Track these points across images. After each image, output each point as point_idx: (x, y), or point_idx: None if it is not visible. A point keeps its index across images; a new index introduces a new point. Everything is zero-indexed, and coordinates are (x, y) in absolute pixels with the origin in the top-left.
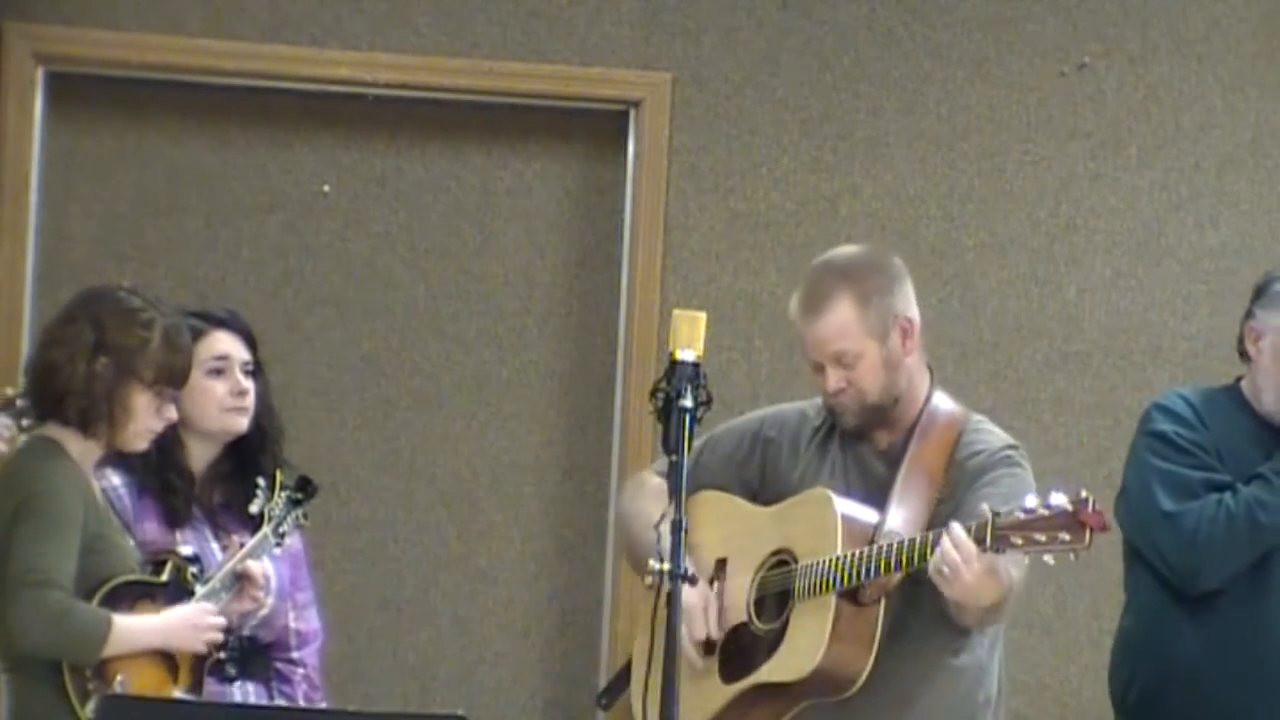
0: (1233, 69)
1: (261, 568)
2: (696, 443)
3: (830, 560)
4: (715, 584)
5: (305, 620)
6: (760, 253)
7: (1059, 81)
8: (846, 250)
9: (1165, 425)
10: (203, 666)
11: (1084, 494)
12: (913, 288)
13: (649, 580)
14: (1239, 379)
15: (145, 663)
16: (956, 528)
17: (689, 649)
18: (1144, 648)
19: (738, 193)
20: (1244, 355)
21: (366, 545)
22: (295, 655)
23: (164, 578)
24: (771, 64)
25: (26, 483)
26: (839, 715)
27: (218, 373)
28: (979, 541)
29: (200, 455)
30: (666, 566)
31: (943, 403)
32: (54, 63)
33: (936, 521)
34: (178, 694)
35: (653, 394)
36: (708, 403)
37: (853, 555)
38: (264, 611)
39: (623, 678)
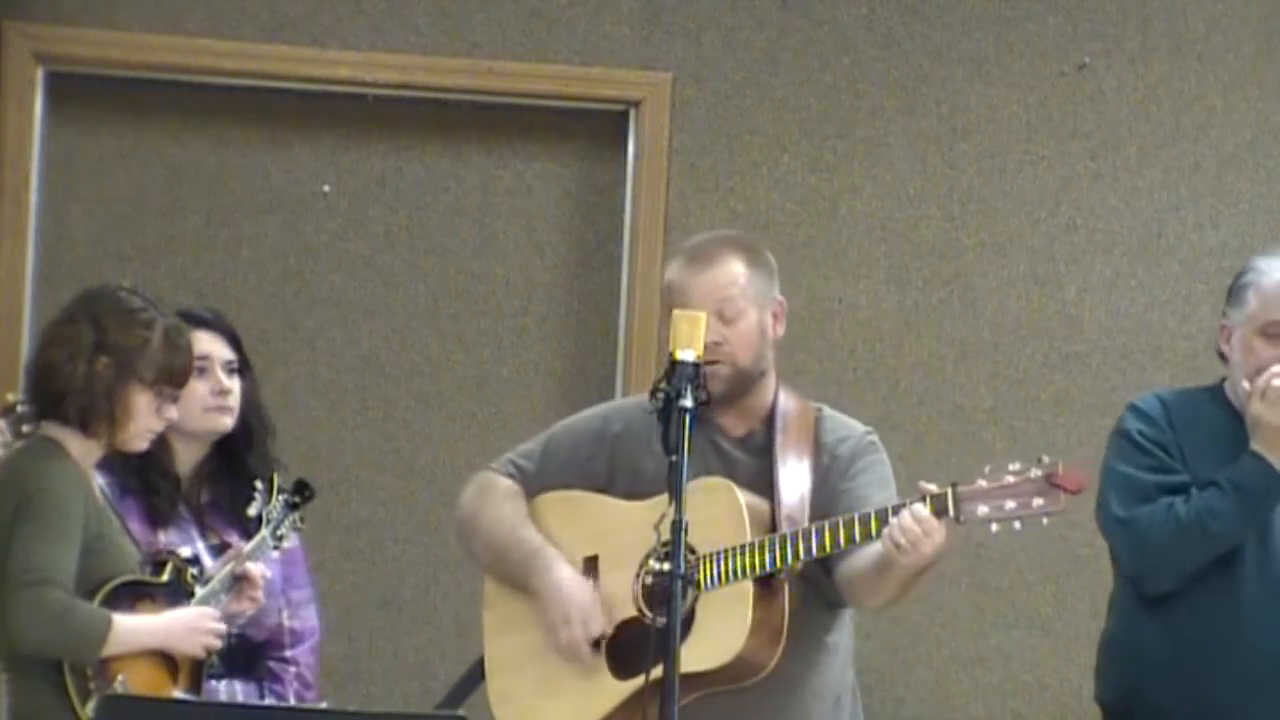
0: (1233, 69)
1: (260, 570)
2: (532, 445)
3: (749, 546)
4: (590, 581)
5: (300, 618)
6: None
7: (1059, 81)
8: (726, 230)
9: (1131, 424)
10: (202, 668)
11: (1048, 459)
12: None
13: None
14: (1224, 379)
15: (145, 663)
16: (917, 504)
17: (581, 647)
18: (1120, 647)
19: (738, 193)
20: (1222, 356)
21: (366, 545)
22: (288, 654)
23: (164, 578)
24: (771, 64)
25: (27, 482)
26: (730, 704)
27: (200, 372)
28: (942, 513)
29: (187, 455)
30: (666, 566)
31: (787, 393)
32: (54, 63)
33: (819, 506)
34: (177, 694)
35: (653, 394)
36: (708, 403)
37: (784, 537)
38: (250, 610)
39: (461, 689)
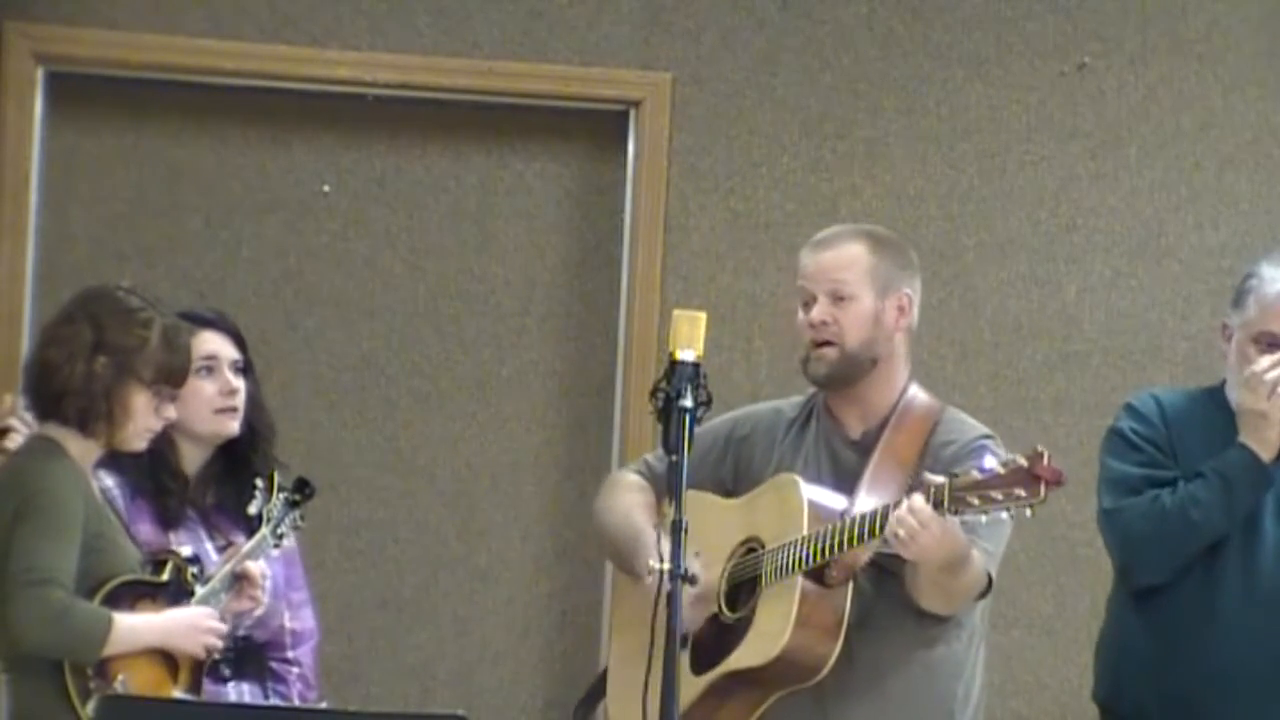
0: (1233, 69)
1: (260, 568)
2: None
3: (797, 541)
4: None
5: (300, 619)
6: (760, 253)
7: (1059, 81)
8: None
9: (1124, 422)
10: (202, 668)
11: (1040, 449)
12: (921, 289)
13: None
14: (1224, 380)
15: (146, 662)
16: (915, 495)
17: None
18: (1108, 642)
19: (738, 193)
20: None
21: (366, 545)
22: (290, 654)
23: (164, 577)
24: (771, 64)
25: (27, 482)
26: (813, 705)
27: (207, 371)
28: (937, 504)
29: (192, 457)
30: (666, 566)
31: (919, 394)
32: (54, 63)
33: None
34: (177, 694)
35: (653, 394)
36: (708, 403)
37: (817, 533)
38: (259, 611)
39: (599, 686)
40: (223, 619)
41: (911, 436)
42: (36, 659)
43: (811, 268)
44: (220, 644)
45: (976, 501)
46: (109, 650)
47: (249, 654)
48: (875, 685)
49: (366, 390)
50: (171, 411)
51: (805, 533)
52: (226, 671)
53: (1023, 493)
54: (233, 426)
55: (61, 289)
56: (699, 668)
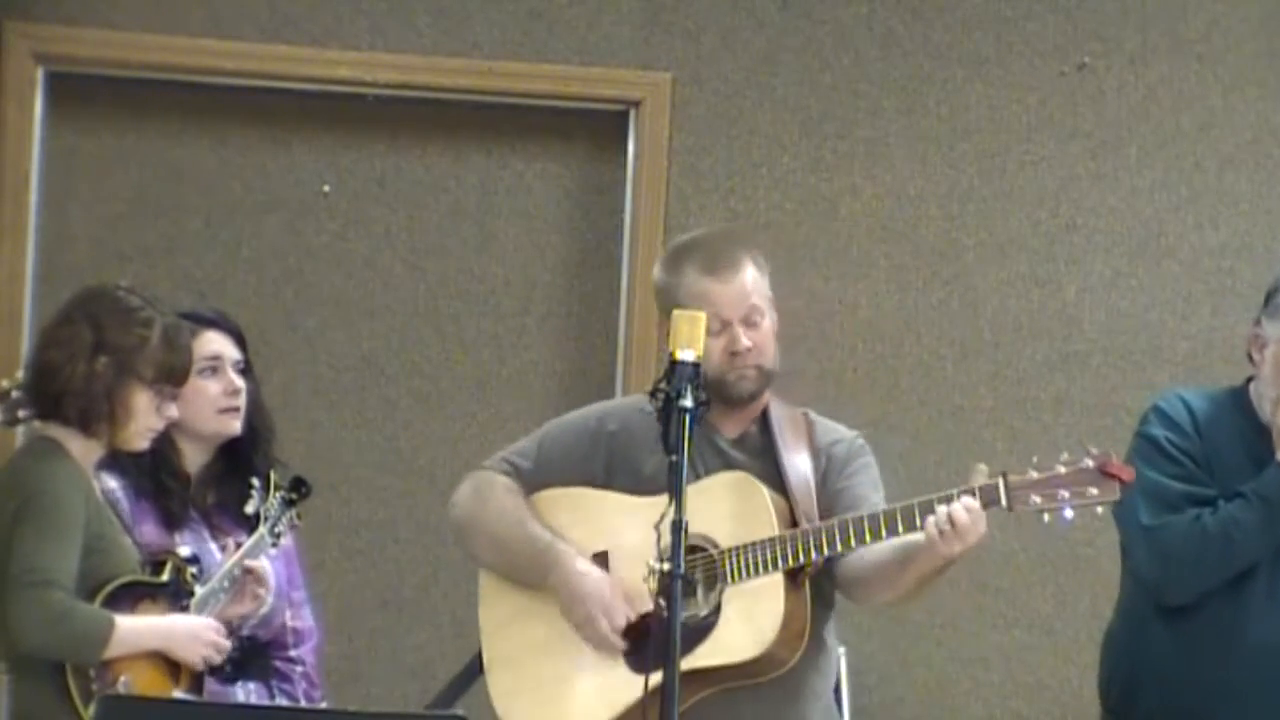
0: (1233, 69)
1: (265, 566)
2: (525, 443)
3: (783, 538)
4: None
5: (301, 618)
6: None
7: (1059, 81)
8: (723, 227)
9: (1158, 430)
10: (203, 670)
11: (1097, 450)
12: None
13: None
14: (1249, 379)
15: (147, 664)
16: (966, 496)
17: (611, 638)
18: (1124, 647)
19: (738, 193)
20: (1251, 359)
21: (366, 545)
22: (293, 653)
23: (164, 578)
24: (771, 64)
25: (28, 483)
26: (731, 704)
27: (211, 371)
28: (992, 503)
29: (194, 457)
30: (666, 566)
31: (773, 396)
32: (54, 63)
33: (821, 505)
34: (178, 695)
35: (653, 394)
36: (707, 403)
37: (821, 529)
38: (264, 610)
39: (457, 686)
40: (228, 622)
41: (795, 437)
42: (38, 660)
43: (724, 297)
44: (219, 658)
45: (1039, 500)
46: (111, 653)
47: (254, 653)
48: (792, 675)
49: (366, 390)
50: (173, 411)
51: (776, 530)
52: (228, 669)
53: (1096, 491)
54: (236, 426)
55: (61, 289)
56: (637, 666)
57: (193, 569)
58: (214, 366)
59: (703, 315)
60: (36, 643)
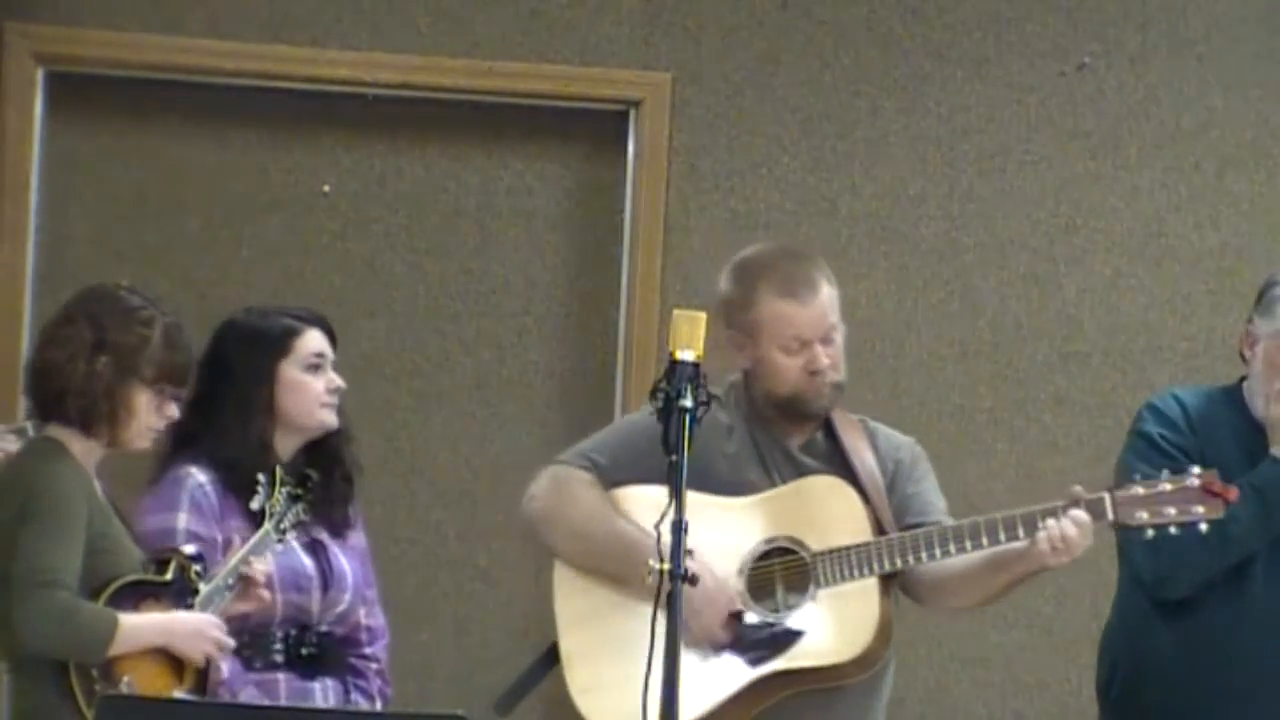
0: (1233, 69)
1: (264, 568)
2: (601, 438)
3: (882, 543)
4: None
5: (374, 616)
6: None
7: (1059, 81)
8: (788, 245)
9: (1151, 427)
10: (208, 667)
11: (1198, 469)
12: None
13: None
14: (1242, 379)
15: (150, 662)
16: (1074, 509)
17: (718, 633)
18: (1123, 644)
19: (738, 193)
20: (1244, 358)
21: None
22: (367, 651)
23: (168, 577)
24: (771, 64)
25: (30, 483)
26: (827, 704)
27: (315, 369)
28: (1100, 516)
29: (283, 450)
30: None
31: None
32: (54, 63)
33: (893, 508)
34: (180, 694)
35: (653, 394)
36: (707, 403)
37: (924, 535)
38: (341, 608)
39: (527, 681)
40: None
41: (859, 444)
42: (41, 659)
43: (807, 318)
44: (221, 654)
45: (1146, 515)
46: (114, 651)
47: (329, 650)
48: (869, 681)
49: (366, 390)
50: (174, 410)
51: (869, 536)
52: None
53: (1201, 509)
54: (334, 419)
55: (61, 289)
56: (751, 662)
57: (197, 567)
58: (318, 364)
59: (702, 315)
60: (42, 643)
